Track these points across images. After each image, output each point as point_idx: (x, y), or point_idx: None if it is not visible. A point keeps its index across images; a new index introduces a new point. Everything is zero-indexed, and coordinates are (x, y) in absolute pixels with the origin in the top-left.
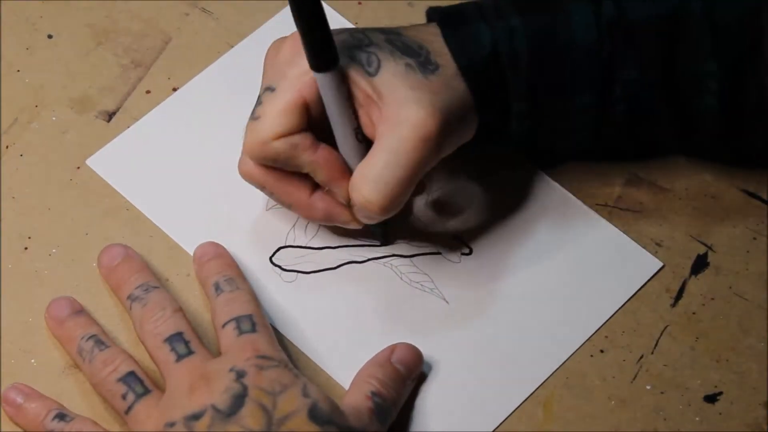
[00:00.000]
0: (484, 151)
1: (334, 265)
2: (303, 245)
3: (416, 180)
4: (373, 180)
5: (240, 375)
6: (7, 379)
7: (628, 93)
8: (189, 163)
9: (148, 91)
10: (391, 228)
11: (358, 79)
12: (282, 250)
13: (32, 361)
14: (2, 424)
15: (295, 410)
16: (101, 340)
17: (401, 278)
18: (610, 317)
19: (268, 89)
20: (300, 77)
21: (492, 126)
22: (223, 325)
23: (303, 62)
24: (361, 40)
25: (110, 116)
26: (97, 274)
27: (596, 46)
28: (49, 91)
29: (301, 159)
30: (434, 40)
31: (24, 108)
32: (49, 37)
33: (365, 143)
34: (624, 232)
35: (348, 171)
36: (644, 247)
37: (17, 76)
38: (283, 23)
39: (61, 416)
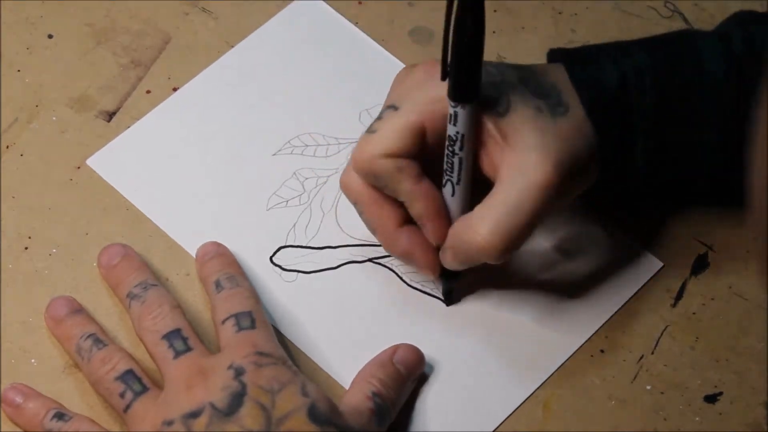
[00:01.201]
0: (606, 194)
1: (335, 265)
2: (303, 245)
3: (535, 227)
4: (493, 222)
5: (238, 372)
6: (7, 379)
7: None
8: (189, 163)
9: (148, 91)
10: (459, 288)
11: (486, 118)
12: (282, 250)
13: (32, 361)
14: (2, 425)
15: (294, 409)
16: (100, 339)
17: (401, 278)
18: (610, 317)
19: (391, 107)
20: (426, 102)
21: (615, 166)
22: (223, 322)
23: (433, 89)
24: (494, 76)
25: (110, 116)
26: (97, 273)
27: (725, 79)
28: (49, 90)
29: (403, 185)
30: (563, 80)
31: (24, 108)
32: (49, 36)
33: (470, 191)
34: (624, 232)
35: (445, 211)
36: (644, 247)
37: (17, 76)
38: (284, 23)
39: (60, 415)
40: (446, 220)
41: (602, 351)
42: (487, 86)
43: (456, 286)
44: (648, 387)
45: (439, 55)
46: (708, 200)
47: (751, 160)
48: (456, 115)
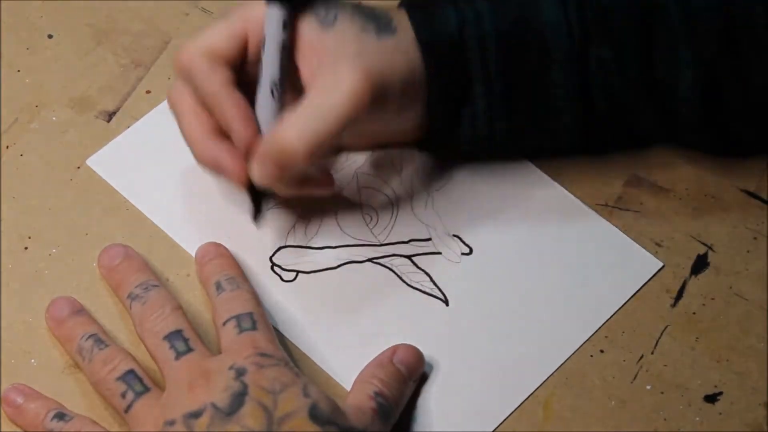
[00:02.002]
0: (452, 144)
1: (335, 265)
2: (303, 245)
3: (340, 134)
4: (302, 124)
5: (240, 373)
6: (7, 379)
7: (605, 79)
8: (189, 163)
9: (148, 91)
10: (264, 207)
11: (309, 28)
12: (282, 250)
13: (32, 361)
14: (2, 424)
15: (296, 410)
16: (101, 339)
17: (401, 278)
18: (610, 317)
19: (222, 18)
20: (252, 13)
21: (457, 115)
22: (224, 323)
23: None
24: None
25: (110, 116)
26: (97, 273)
27: (566, 24)
28: (49, 91)
29: (214, 86)
30: (401, 15)
31: (24, 108)
32: (49, 37)
33: (278, 103)
34: (624, 232)
35: (253, 119)
36: (644, 247)
37: (17, 76)
38: None
39: (61, 416)
40: (254, 126)
41: (602, 351)
42: (318, 3)
43: (265, 207)
44: (648, 387)
45: None
46: (558, 149)
47: None
48: (269, 15)
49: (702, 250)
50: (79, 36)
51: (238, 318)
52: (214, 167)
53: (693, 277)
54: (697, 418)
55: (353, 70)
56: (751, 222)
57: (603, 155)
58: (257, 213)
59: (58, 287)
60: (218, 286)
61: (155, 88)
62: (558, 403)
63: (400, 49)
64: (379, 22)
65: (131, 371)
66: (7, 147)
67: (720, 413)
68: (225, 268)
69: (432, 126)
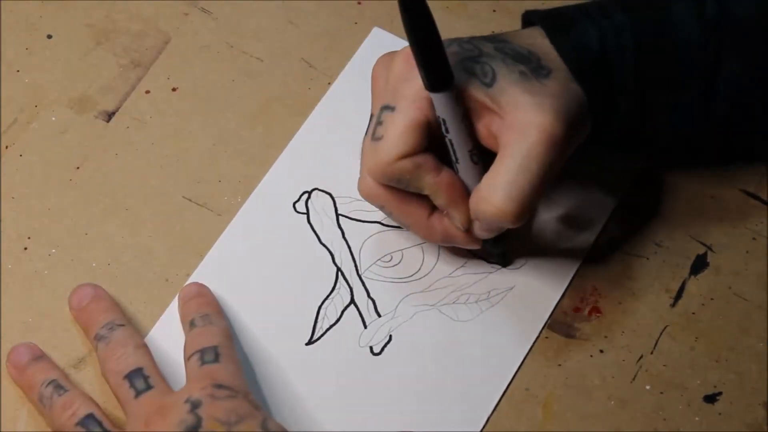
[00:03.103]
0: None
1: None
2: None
3: (546, 185)
4: (503, 188)
5: (195, 405)
6: (8, 379)
7: (731, 90)
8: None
9: (147, 91)
10: (510, 248)
11: (474, 91)
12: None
13: None
14: (2, 424)
15: None
16: (60, 385)
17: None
18: (612, 317)
19: (386, 108)
20: (420, 95)
21: (598, 126)
22: (189, 358)
23: (418, 79)
24: (471, 51)
25: (110, 116)
26: (96, 273)
27: (701, 42)
28: (49, 91)
29: (424, 181)
30: (542, 44)
31: (24, 108)
32: (49, 37)
33: (481, 164)
34: (624, 232)
35: (467, 194)
36: (644, 247)
37: (17, 76)
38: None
39: (58, 386)
40: (468, 209)
41: (602, 351)
42: (467, 62)
43: (507, 248)
44: (648, 387)
45: None
46: (682, 160)
47: None
48: (439, 102)
49: (701, 250)
50: (78, 36)
51: (201, 352)
52: (446, 242)
53: (692, 277)
54: (697, 418)
55: (538, 118)
56: (750, 222)
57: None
58: (502, 257)
59: (58, 287)
60: (192, 324)
61: (155, 88)
62: (558, 403)
63: (563, 85)
64: (530, 63)
65: (90, 415)
66: (7, 147)
67: (719, 413)
68: (202, 306)
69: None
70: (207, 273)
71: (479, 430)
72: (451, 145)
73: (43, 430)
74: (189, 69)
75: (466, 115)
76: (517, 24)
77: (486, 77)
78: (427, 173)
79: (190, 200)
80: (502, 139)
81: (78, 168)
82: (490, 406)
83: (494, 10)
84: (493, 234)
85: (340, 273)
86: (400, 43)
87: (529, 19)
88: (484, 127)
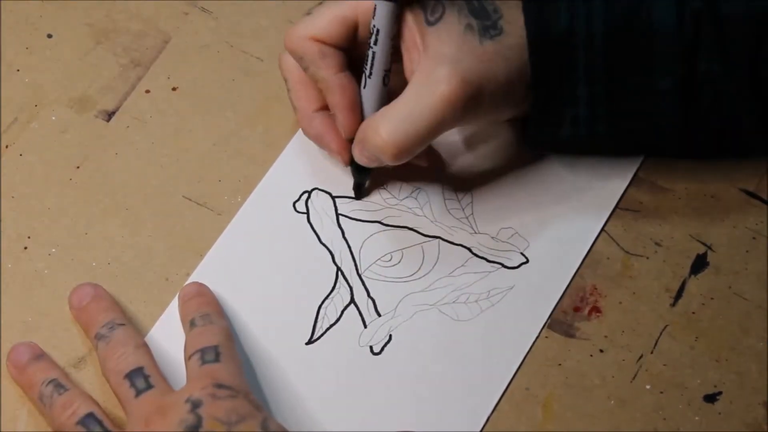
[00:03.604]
0: (551, 143)
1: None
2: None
3: (431, 138)
4: (393, 124)
5: (195, 405)
6: (8, 379)
7: (712, 87)
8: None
9: (147, 91)
10: (366, 181)
11: (413, 23)
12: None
13: None
14: (2, 424)
15: None
16: (61, 384)
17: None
18: (612, 318)
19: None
20: (362, 1)
21: (560, 111)
22: (189, 358)
23: None
24: None
25: (110, 116)
26: (96, 273)
27: (677, 30)
28: (49, 91)
29: (322, 72)
30: (512, 8)
31: (24, 108)
32: (49, 36)
33: (386, 92)
34: (624, 232)
35: (358, 107)
36: (644, 247)
37: (17, 76)
38: None
39: (58, 385)
40: (358, 115)
41: (602, 351)
42: None
43: (366, 182)
44: (648, 387)
45: None
46: (656, 152)
47: None
48: (376, 8)
49: (701, 249)
50: (78, 36)
51: (202, 351)
52: (319, 142)
53: (692, 276)
54: (697, 418)
55: (449, 76)
56: (750, 222)
57: (702, 161)
58: (359, 187)
59: (58, 287)
60: (192, 323)
61: (155, 87)
62: (558, 403)
63: (501, 54)
64: (486, 20)
65: (90, 414)
66: (7, 147)
67: (719, 413)
68: (202, 305)
69: (531, 126)
70: (207, 273)
71: (479, 430)
72: (372, 57)
73: (43, 430)
74: (189, 69)
75: (396, 39)
76: None
77: (433, 16)
78: (328, 67)
79: (190, 200)
80: (413, 79)
81: (78, 168)
82: (490, 406)
83: None
84: (370, 165)
85: (340, 273)
86: None
87: None
88: (408, 61)
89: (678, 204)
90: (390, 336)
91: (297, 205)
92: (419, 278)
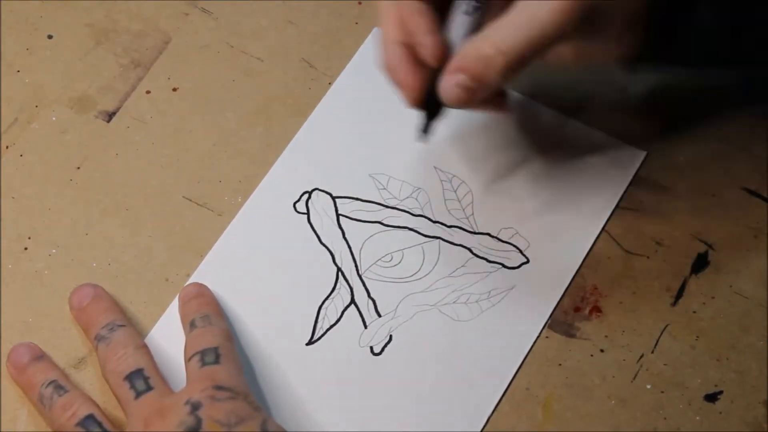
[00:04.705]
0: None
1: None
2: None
3: (543, 50)
4: (506, 32)
5: (195, 407)
6: (8, 379)
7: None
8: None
9: (148, 91)
10: (435, 125)
11: None
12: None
13: None
14: (2, 424)
15: None
16: (60, 385)
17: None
18: (612, 316)
19: None
20: None
21: (677, 26)
22: (189, 359)
23: None
24: None
25: (110, 116)
26: (96, 274)
27: None
28: (49, 91)
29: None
30: None
31: (24, 108)
32: (49, 37)
33: (477, 22)
34: (624, 232)
35: (440, 36)
36: (644, 246)
37: (17, 76)
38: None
39: (58, 386)
40: (441, 42)
41: (602, 350)
42: None
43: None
44: (648, 386)
45: None
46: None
47: None
48: None
49: (702, 248)
50: (78, 36)
51: (202, 353)
52: (393, 76)
53: (693, 275)
54: (698, 417)
55: None
56: (751, 220)
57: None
58: (426, 130)
59: (58, 287)
60: (192, 324)
61: (155, 88)
62: (558, 403)
63: None
64: None
65: (90, 416)
66: (7, 147)
67: (720, 412)
68: (201, 306)
69: (648, 49)
70: (207, 273)
71: (479, 430)
72: None
73: (43, 430)
74: (189, 69)
75: None
76: None
77: None
78: None
79: (190, 200)
80: None
81: (78, 168)
82: (490, 406)
83: None
84: (460, 90)
85: (340, 273)
86: None
87: None
88: None
89: (678, 203)
90: (390, 336)
91: (297, 205)
92: (419, 279)
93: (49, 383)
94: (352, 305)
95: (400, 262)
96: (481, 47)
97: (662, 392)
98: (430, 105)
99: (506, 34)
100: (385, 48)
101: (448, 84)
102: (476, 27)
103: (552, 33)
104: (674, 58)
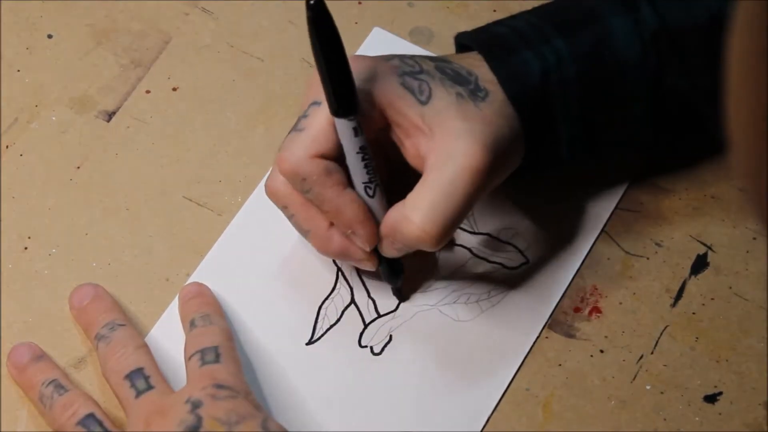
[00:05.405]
0: (534, 175)
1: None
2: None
3: (466, 214)
4: (427, 210)
5: (195, 405)
6: (8, 379)
7: (678, 100)
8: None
9: (147, 91)
10: (405, 286)
11: (408, 108)
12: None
13: None
14: (2, 424)
15: None
16: (61, 385)
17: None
18: (610, 311)
19: (314, 103)
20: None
21: (542, 151)
22: (189, 358)
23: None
24: (412, 67)
25: (110, 116)
26: (96, 273)
27: (642, 57)
28: (49, 91)
29: (330, 191)
30: (480, 66)
31: (24, 108)
32: (49, 37)
33: (377, 197)
34: (624, 232)
35: (372, 218)
36: (644, 247)
37: (17, 76)
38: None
39: (58, 386)
40: (374, 228)
41: (602, 351)
42: (406, 77)
43: (402, 284)
44: (648, 387)
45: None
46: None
47: (727, 104)
48: (341, 128)
49: (702, 250)
50: (78, 36)
51: (202, 352)
52: (344, 257)
53: (693, 277)
54: (697, 418)
55: (470, 146)
56: (751, 222)
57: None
58: (399, 290)
59: (58, 287)
60: (192, 324)
61: (155, 88)
62: (558, 403)
63: (498, 112)
64: (468, 85)
65: (91, 415)
66: (7, 147)
67: (720, 413)
68: (201, 306)
69: (523, 167)
70: (207, 273)
71: (479, 430)
72: (351, 173)
73: (43, 430)
74: (189, 69)
75: (367, 149)
76: None
77: (422, 95)
78: (336, 184)
79: (190, 200)
80: (429, 161)
81: (78, 168)
82: (490, 406)
83: (495, 10)
84: (402, 253)
85: (340, 273)
86: (400, 43)
87: (462, 41)
88: (412, 146)
89: (678, 204)
90: (390, 336)
91: None
92: (419, 278)
93: (50, 383)
94: (352, 305)
95: None
96: (409, 228)
97: (662, 393)
98: (388, 264)
99: (429, 210)
100: (322, 242)
101: (387, 250)
102: (381, 201)
103: (474, 195)
104: (539, 168)
